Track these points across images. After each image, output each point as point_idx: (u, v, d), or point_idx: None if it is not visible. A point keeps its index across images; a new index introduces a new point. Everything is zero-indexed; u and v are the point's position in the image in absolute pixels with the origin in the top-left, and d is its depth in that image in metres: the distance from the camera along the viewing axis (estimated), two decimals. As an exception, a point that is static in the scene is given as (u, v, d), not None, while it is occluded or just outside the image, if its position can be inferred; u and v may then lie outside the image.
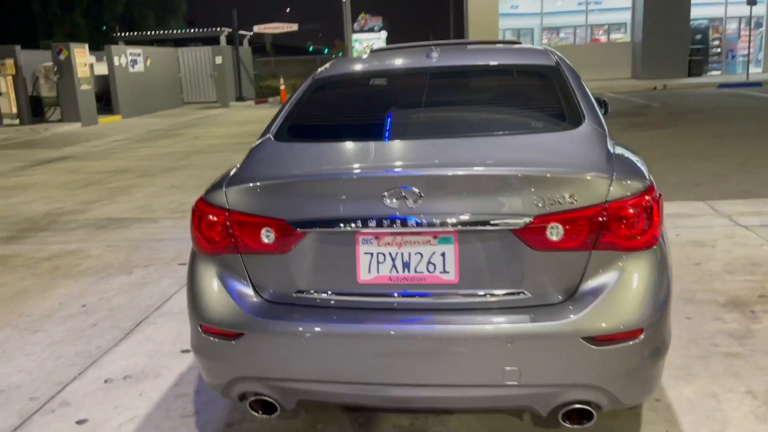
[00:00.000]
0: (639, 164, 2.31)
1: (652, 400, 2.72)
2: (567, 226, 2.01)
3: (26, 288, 4.59)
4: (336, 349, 2.07)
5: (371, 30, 20.03)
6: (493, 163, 2.15)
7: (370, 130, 2.63)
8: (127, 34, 25.46)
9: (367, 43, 20.41)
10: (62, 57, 16.97)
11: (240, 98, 23.24)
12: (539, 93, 2.79)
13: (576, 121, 2.47)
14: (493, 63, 3.05)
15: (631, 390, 2.10)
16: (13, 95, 17.10)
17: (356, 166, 2.29)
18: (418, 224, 2.03)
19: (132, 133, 15.39)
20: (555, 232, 2.01)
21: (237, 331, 2.12)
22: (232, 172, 2.36)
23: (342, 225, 2.07)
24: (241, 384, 2.18)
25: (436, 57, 3.06)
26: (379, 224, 2.04)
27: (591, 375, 2.02)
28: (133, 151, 12.18)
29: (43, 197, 7.91)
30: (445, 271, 2.07)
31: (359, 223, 2.05)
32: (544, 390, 2.04)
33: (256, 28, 23.85)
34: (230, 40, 23.76)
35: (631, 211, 2.05)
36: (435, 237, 2.06)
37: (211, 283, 2.22)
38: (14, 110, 17.23)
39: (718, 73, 24.42)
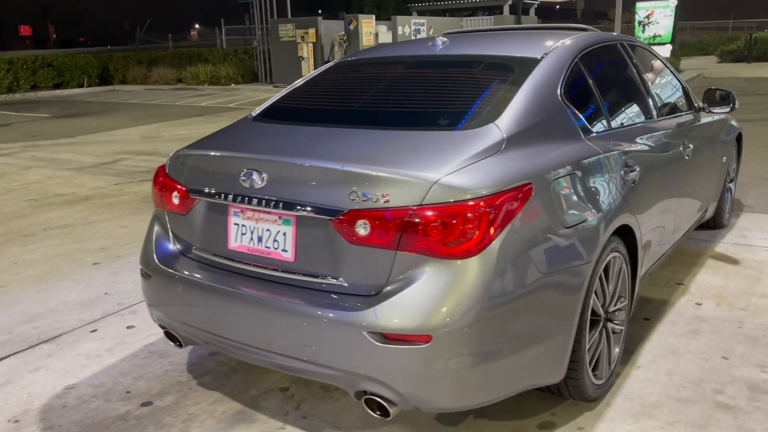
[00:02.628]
0: (494, 174, 2.16)
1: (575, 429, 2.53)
2: (375, 224, 2.07)
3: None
4: (202, 302, 2.46)
5: (659, -4, 18.21)
6: (329, 158, 2.27)
7: (302, 115, 2.89)
8: (424, 3, 27.17)
9: (648, 11, 18.60)
10: (352, 27, 19.08)
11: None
12: (476, 88, 2.68)
13: (484, 121, 2.39)
14: (470, 53, 2.98)
15: (427, 395, 2.09)
16: (312, 60, 19.82)
17: (238, 147, 2.60)
18: (265, 204, 2.28)
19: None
20: (364, 228, 2.09)
21: (149, 273, 2.64)
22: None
23: (217, 197, 2.43)
24: (154, 316, 2.71)
25: (440, 46, 3.10)
26: (240, 200, 2.35)
27: (376, 370, 2.08)
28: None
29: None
30: (284, 250, 2.30)
31: (229, 197, 2.38)
32: (336, 373, 2.16)
33: (542, -3, 23.45)
34: (514, 9, 23.80)
35: (440, 218, 2.01)
36: (280, 218, 2.30)
37: (151, 233, 2.78)
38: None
39: None
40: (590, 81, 2.93)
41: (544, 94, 2.59)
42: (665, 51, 20.67)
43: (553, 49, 2.85)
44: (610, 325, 2.75)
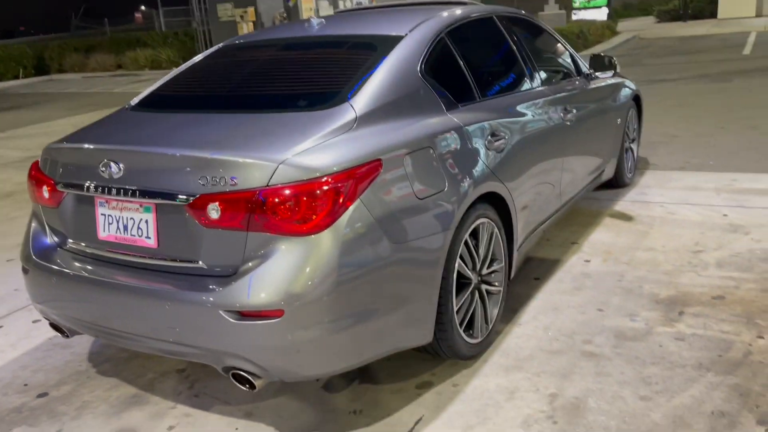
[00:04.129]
0: (342, 152, 2.26)
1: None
2: (225, 207, 2.16)
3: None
4: (78, 293, 2.52)
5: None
6: (181, 145, 2.35)
7: (175, 102, 2.95)
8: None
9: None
10: (291, 3, 18.85)
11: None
12: (337, 68, 2.77)
13: (339, 101, 2.48)
14: (342, 33, 3.06)
15: (289, 365, 2.21)
16: (252, 39, 19.56)
17: (100, 137, 2.65)
18: (127, 193, 2.35)
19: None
20: (215, 211, 2.18)
21: (26, 267, 2.69)
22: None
23: (82, 189, 2.48)
24: (38, 309, 2.76)
25: (315, 27, 3.17)
26: (103, 191, 2.40)
27: (237, 346, 2.19)
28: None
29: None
30: (148, 237, 2.37)
31: (92, 188, 2.43)
32: (202, 352, 2.26)
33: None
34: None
35: (287, 197, 2.11)
36: (141, 206, 2.37)
37: (29, 227, 2.81)
38: (253, 52, 19.75)
39: None
40: (456, 55, 3.03)
41: (402, 71, 2.68)
42: (602, 14, 20.97)
43: (418, 25, 2.94)
44: (484, 287, 2.90)
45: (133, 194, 2.33)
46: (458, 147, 2.72)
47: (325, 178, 2.15)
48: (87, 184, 2.45)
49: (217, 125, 2.49)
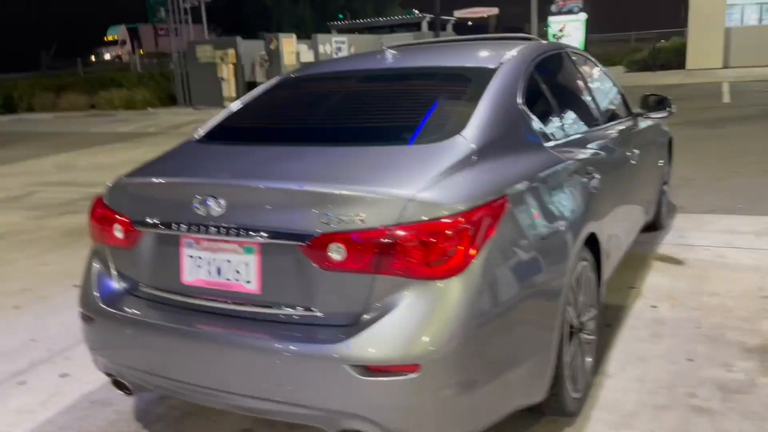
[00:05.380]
0: (468, 188, 2.06)
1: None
2: (349, 247, 1.92)
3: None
4: (155, 344, 2.22)
5: (570, 12, 18.93)
6: (294, 179, 2.11)
7: (251, 135, 2.71)
8: (343, 22, 27.26)
9: (561, 26, 19.34)
10: (272, 46, 18.85)
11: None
12: (440, 100, 2.60)
13: (449, 133, 2.29)
14: (427, 65, 2.89)
15: (415, 428, 1.95)
16: (233, 81, 19.43)
17: (187, 171, 2.40)
18: (226, 232, 2.09)
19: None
20: (337, 252, 1.94)
21: (91, 315, 2.38)
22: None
23: (166, 227, 2.21)
24: (100, 363, 2.44)
25: (390, 59, 3.00)
26: (194, 229, 2.14)
27: (359, 405, 1.92)
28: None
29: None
30: (247, 281, 2.11)
31: (181, 227, 2.17)
32: (315, 413, 1.99)
33: (457, 13, 24.07)
34: (432, 25, 24.24)
35: (419, 237, 1.89)
36: (241, 246, 2.11)
37: (90, 271, 2.51)
38: (233, 94, 19.57)
39: None
40: (545, 89, 2.90)
41: (505, 104, 2.52)
42: (578, 62, 21.48)
43: (508, 58, 2.80)
44: (582, 335, 2.70)
45: (236, 233, 2.07)
46: (563, 184, 2.55)
47: (458, 217, 1.93)
48: (173, 222, 2.18)
49: (323, 159, 2.26)
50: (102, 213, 2.42)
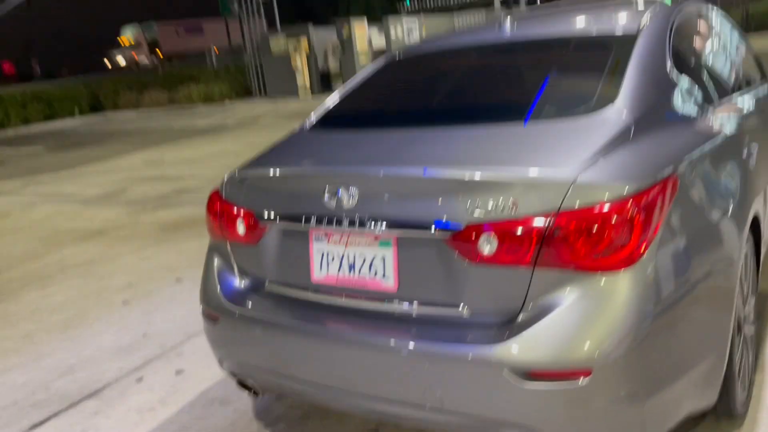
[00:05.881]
0: (633, 166, 1.79)
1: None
2: (504, 238, 1.71)
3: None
4: (288, 345, 2.09)
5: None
6: (436, 162, 1.91)
7: (367, 120, 2.52)
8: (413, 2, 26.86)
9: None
10: (345, 33, 18.75)
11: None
12: (581, 70, 2.33)
13: (599, 105, 2.03)
14: (557, 33, 2.61)
15: None
16: (306, 70, 19.49)
17: (313, 160, 2.23)
18: (357, 225, 1.92)
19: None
20: (489, 244, 1.73)
21: (216, 315, 2.27)
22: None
23: (295, 221, 2.06)
24: (225, 363, 2.34)
25: (509, 30, 2.75)
26: (325, 222, 1.98)
27: (520, 414, 1.71)
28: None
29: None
30: (384, 276, 1.93)
31: (310, 220, 2.02)
32: (469, 421, 1.79)
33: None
34: (506, 2, 23.54)
35: (587, 223, 1.65)
36: (376, 239, 1.93)
37: (211, 268, 2.40)
38: (307, 83, 19.64)
39: None
40: (690, 53, 2.58)
41: (654, 71, 2.24)
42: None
43: (647, 21, 2.49)
44: (745, 327, 2.40)
45: (371, 225, 1.90)
46: (727, 157, 2.25)
47: (628, 201, 1.69)
48: (301, 215, 2.04)
49: (462, 141, 2.06)
50: (221, 207, 2.30)
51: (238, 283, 2.30)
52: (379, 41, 20.47)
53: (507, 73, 2.58)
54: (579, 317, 1.66)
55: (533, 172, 1.74)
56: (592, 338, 1.65)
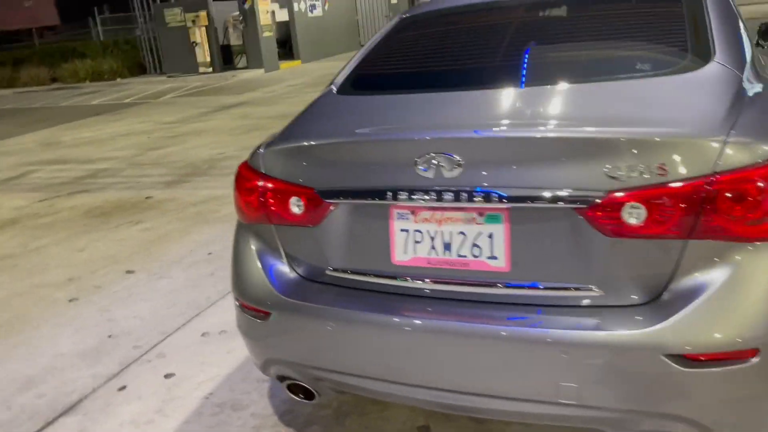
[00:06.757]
0: None
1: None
2: (652, 206, 1.52)
3: (168, 232, 4.88)
4: (366, 339, 1.80)
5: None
6: (558, 122, 1.69)
7: (439, 79, 2.25)
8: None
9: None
10: (246, 6, 17.90)
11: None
12: (658, 23, 2.19)
13: (699, 60, 1.89)
14: None
15: (732, 425, 1.59)
16: (206, 45, 18.45)
17: (393, 126, 1.95)
18: (459, 198, 1.66)
19: (308, 77, 15.91)
20: (635, 214, 1.53)
21: (266, 310, 1.94)
22: (279, 131, 2.14)
23: (373, 197, 1.77)
24: (275, 366, 2.02)
25: None
26: (414, 197, 1.70)
27: (676, 403, 1.55)
28: (304, 95, 12.55)
29: (211, 142, 8.40)
30: (492, 257, 1.69)
31: (392, 195, 1.73)
32: (611, 414, 1.61)
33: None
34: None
35: (749, 185, 1.49)
36: (481, 214, 1.68)
37: (249, 256, 2.05)
38: (207, 59, 18.62)
39: None
40: (737, 13, 2.50)
41: (733, 23, 2.12)
42: None
43: None
44: None
45: (470, 199, 1.65)
46: None
47: None
48: (383, 190, 1.74)
49: (569, 99, 1.83)
50: (264, 184, 1.95)
51: (290, 271, 1.97)
52: (282, 15, 19.76)
53: (569, 27, 2.38)
54: (740, 293, 1.51)
55: (680, 130, 1.55)
56: (757, 315, 1.50)
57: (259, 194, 1.98)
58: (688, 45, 1.98)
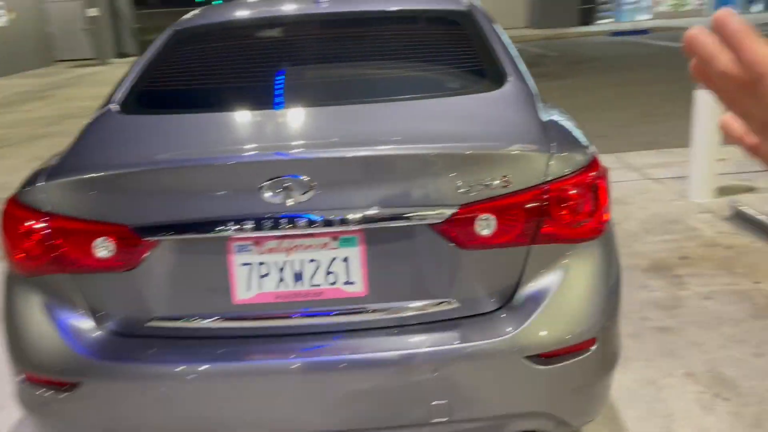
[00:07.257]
0: (576, 131, 1.88)
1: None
2: (500, 217, 1.58)
3: None
4: (208, 395, 1.56)
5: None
6: (403, 139, 1.67)
7: (246, 97, 2.07)
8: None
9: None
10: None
11: (122, 54, 21.42)
12: (450, 45, 2.32)
13: (497, 79, 2.02)
14: (393, 8, 2.52)
15: (581, 410, 1.74)
16: None
17: (224, 147, 1.74)
18: (311, 223, 1.53)
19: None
20: (486, 225, 1.58)
21: (71, 380, 1.56)
22: (55, 160, 1.74)
23: (205, 229, 1.53)
24: None
25: (325, 2, 2.52)
26: (258, 226, 1.52)
27: (537, 401, 1.63)
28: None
29: None
30: (349, 282, 1.59)
31: (230, 226, 1.52)
32: (481, 424, 1.63)
33: (134, -23, 21.94)
34: (106, -11, 21.67)
35: (574, 191, 1.63)
36: (335, 239, 1.58)
37: (34, 315, 1.63)
38: None
39: (610, 21, 24.86)
40: None
41: (506, 45, 2.33)
42: None
43: (466, 1, 2.56)
44: None
45: (327, 223, 1.53)
46: None
47: (592, 165, 1.67)
48: (219, 221, 1.51)
49: (395, 117, 1.79)
50: (49, 226, 1.56)
51: (96, 328, 1.61)
52: None
53: (370, 45, 2.35)
54: (576, 290, 1.64)
55: (518, 144, 1.64)
56: (591, 308, 1.65)
57: (43, 238, 1.58)
58: (481, 66, 2.12)
